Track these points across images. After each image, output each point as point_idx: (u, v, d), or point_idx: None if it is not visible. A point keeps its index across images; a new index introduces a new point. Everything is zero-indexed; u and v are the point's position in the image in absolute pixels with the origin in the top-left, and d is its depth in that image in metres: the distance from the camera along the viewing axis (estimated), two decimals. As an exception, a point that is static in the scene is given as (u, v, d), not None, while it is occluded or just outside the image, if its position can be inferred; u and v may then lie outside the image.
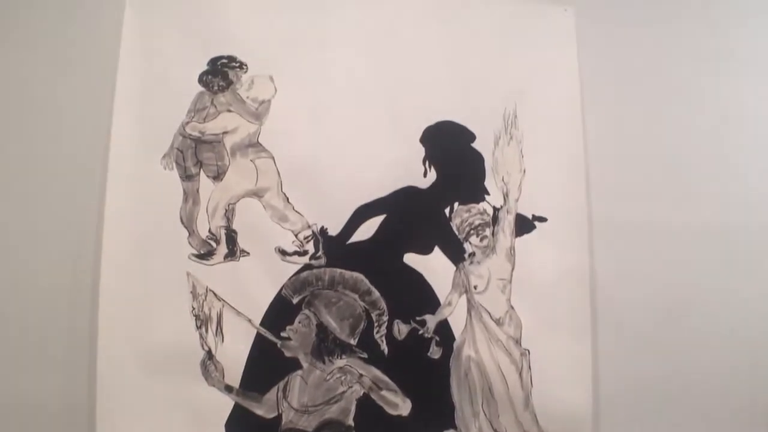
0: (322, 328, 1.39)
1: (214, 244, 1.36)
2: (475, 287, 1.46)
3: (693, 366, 1.51)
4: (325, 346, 1.39)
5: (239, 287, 1.36)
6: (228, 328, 1.34)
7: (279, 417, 1.36)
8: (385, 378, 1.40)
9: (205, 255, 1.35)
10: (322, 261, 1.41)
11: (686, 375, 1.51)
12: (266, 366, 1.36)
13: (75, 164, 1.36)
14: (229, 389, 1.34)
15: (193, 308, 1.32)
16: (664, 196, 1.53)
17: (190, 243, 1.35)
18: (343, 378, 1.38)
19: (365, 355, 1.40)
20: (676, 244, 1.53)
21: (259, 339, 1.36)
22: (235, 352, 1.35)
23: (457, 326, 1.46)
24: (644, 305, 1.51)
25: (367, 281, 1.41)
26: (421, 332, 1.43)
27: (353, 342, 1.40)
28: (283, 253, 1.39)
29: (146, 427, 1.30)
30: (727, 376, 1.51)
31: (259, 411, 1.36)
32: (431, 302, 1.45)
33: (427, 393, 1.43)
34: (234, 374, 1.35)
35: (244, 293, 1.36)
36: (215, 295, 1.33)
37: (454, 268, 1.47)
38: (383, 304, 1.41)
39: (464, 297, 1.47)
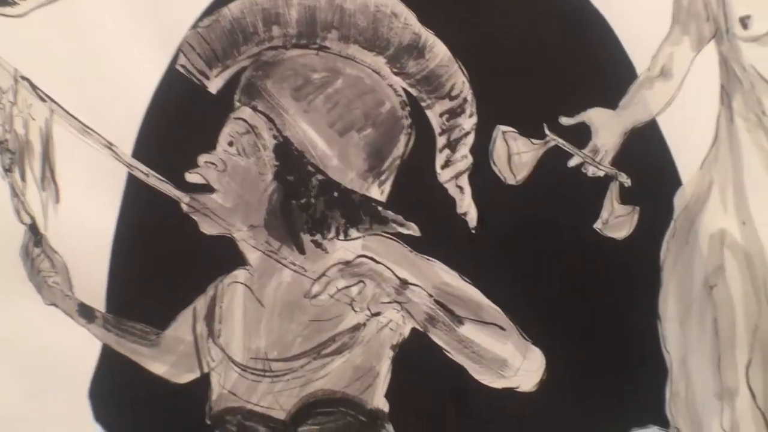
0: (288, 157, 0.65)
1: (22, -41, 0.74)
2: (745, 22, 0.61)
3: None
4: (304, 204, 0.65)
5: (85, 62, 0.72)
6: (67, 168, 0.74)
7: (205, 380, 0.70)
8: (470, 291, 0.64)
9: (6, -8, 0.76)
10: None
11: None
12: (159, 260, 0.72)
13: None
14: (85, 314, 0.71)
15: (-8, 127, 0.75)
16: None
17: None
18: (355, 290, 0.63)
19: (414, 230, 0.65)
20: None
21: (136, 193, 0.71)
22: (86, 224, 0.73)
23: (685, 144, 0.63)
24: None
25: (410, 15, 0.63)
26: (577, 163, 0.63)
27: (378, 193, 0.65)
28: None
29: None
30: None
31: (157, 367, 0.71)
32: (605, 70, 0.63)
33: (591, 331, 0.65)
34: (92, 280, 0.72)
35: (95, 76, 0.72)
36: (34, 88, 0.72)
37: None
38: (461, 84, 0.64)
39: (709, 56, 0.61)
